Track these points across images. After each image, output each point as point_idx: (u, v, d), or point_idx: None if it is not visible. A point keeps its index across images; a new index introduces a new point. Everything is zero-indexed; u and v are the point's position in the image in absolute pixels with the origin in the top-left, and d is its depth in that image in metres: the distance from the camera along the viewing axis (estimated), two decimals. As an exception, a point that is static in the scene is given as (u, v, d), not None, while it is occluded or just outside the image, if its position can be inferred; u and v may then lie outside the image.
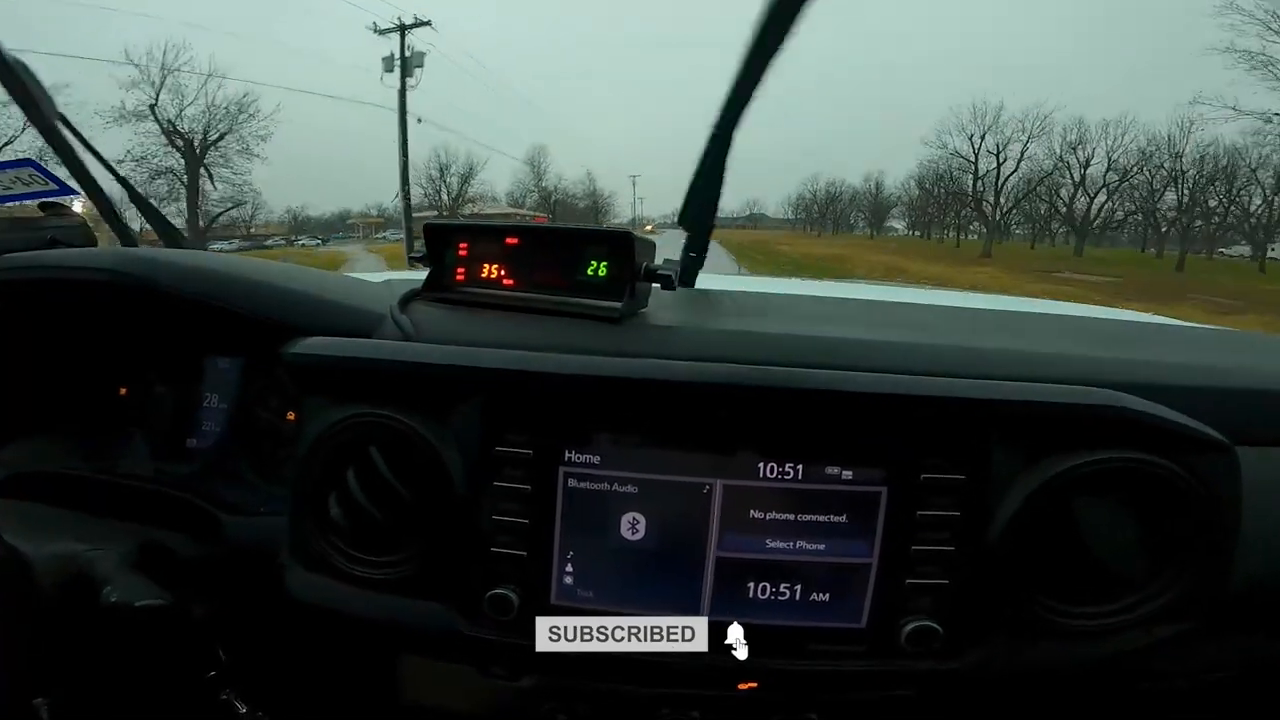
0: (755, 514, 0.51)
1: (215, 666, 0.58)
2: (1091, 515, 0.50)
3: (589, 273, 0.62)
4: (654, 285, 0.63)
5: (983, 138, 31.26)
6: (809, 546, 0.51)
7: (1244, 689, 0.62)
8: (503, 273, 0.64)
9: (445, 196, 31.82)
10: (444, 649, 0.56)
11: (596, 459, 0.52)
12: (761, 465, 0.51)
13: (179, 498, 0.65)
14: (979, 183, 32.23)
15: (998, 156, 31.08)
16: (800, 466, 0.51)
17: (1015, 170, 31.30)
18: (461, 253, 0.66)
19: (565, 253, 0.63)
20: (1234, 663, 0.59)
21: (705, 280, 0.79)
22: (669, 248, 0.72)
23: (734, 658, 0.52)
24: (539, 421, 0.52)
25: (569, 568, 0.52)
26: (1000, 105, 33.14)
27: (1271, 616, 0.57)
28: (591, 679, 0.56)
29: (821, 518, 0.51)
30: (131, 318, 0.67)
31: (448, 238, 0.66)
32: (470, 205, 31.79)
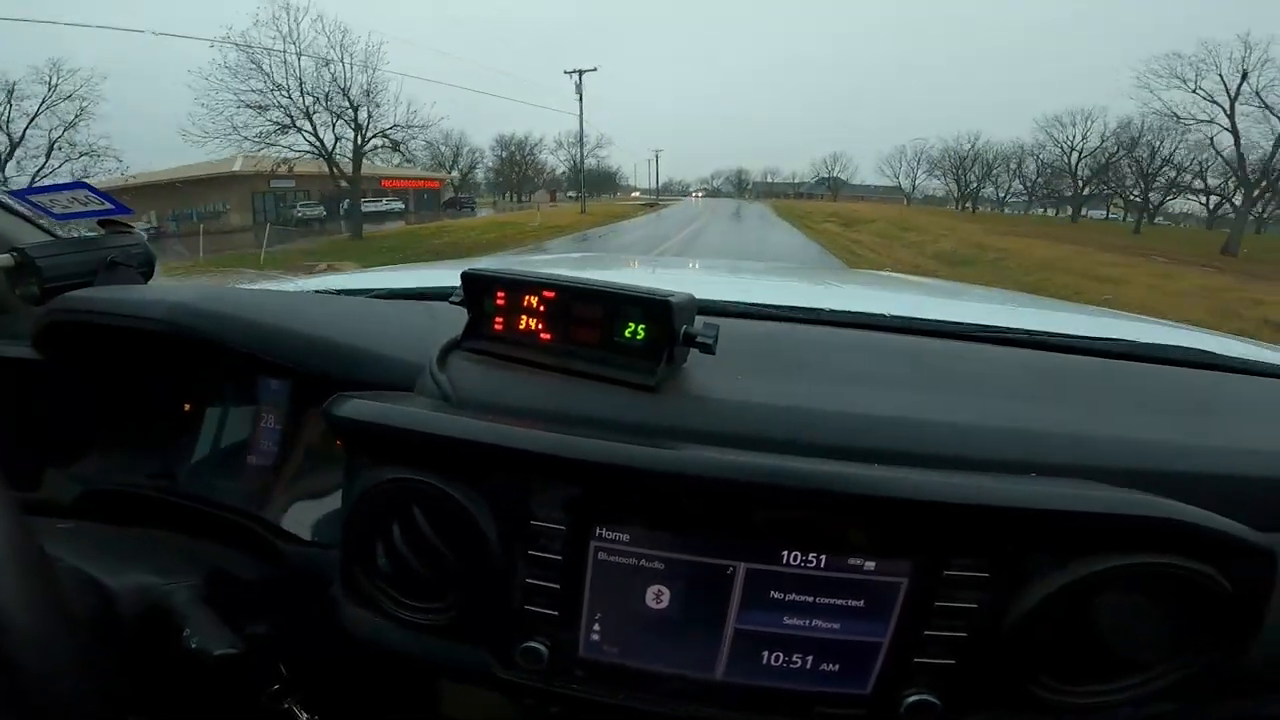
0: (775, 594, 0.53)
1: (278, 681, 0.64)
2: (1111, 607, 0.51)
3: (626, 334, 0.61)
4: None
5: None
6: (824, 625, 0.53)
7: None
8: (540, 326, 0.64)
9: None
10: (480, 685, 0.61)
11: (626, 537, 0.54)
12: (785, 553, 0.52)
13: (239, 520, 0.69)
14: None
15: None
16: (824, 557, 0.52)
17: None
18: (499, 302, 0.66)
19: (603, 311, 0.62)
20: None
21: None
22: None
23: (742, 713, 0.55)
24: (572, 499, 0.54)
25: (596, 627, 0.56)
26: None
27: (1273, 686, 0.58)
28: (613, 715, 0.61)
29: (840, 602, 0.53)
30: (187, 348, 0.70)
31: (486, 286, 0.66)
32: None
